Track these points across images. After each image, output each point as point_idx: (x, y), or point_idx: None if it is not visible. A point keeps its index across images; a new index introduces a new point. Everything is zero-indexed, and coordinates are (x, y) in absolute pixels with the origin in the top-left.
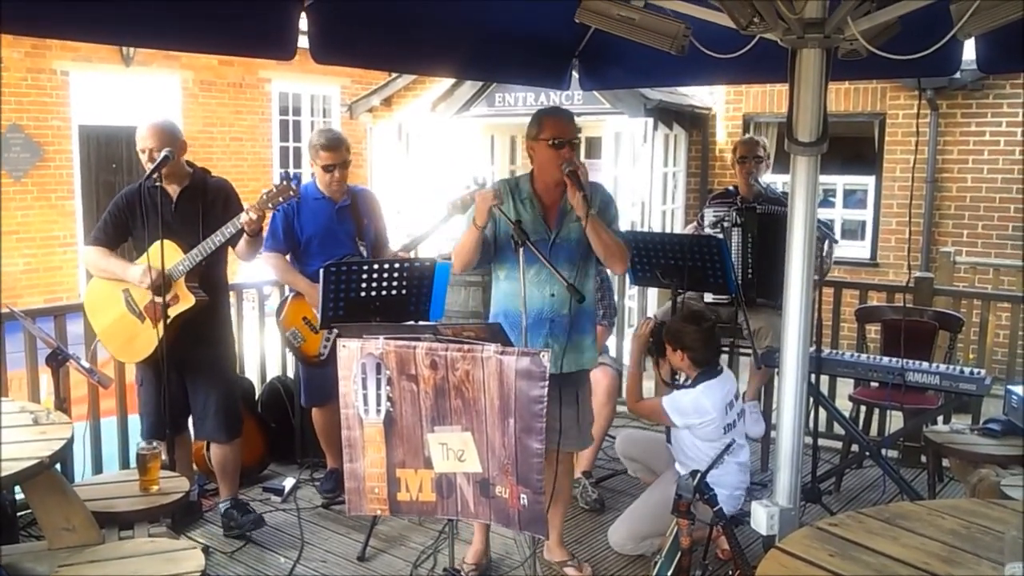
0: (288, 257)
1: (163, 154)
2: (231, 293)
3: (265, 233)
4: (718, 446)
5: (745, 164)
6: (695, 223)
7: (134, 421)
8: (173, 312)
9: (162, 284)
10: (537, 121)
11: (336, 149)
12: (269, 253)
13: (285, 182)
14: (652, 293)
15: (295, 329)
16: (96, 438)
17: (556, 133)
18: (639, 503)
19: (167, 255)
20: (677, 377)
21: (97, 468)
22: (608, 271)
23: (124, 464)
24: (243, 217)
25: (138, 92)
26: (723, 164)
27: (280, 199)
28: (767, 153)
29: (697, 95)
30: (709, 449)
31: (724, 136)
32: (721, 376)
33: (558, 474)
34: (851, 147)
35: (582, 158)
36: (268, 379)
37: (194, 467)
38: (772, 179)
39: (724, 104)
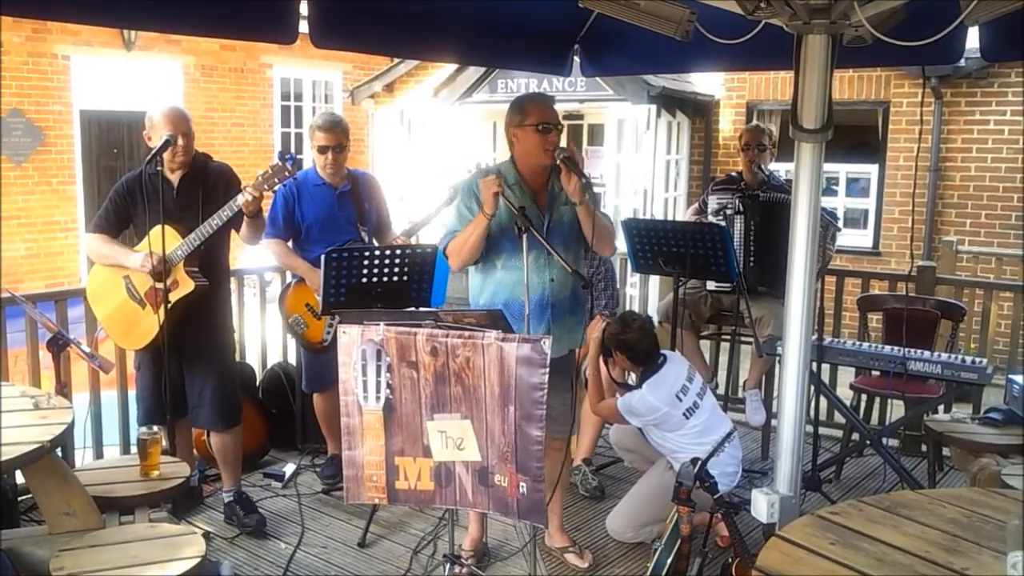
0: (290, 244)
1: (164, 138)
2: (232, 279)
3: (266, 215)
4: (686, 433)
5: (748, 152)
6: (697, 205)
7: (135, 402)
8: (173, 297)
9: (163, 270)
10: (520, 107)
11: (330, 130)
12: (269, 240)
13: (281, 162)
14: (654, 281)
15: (298, 316)
16: (97, 421)
17: (543, 118)
18: (635, 491)
19: (167, 240)
20: (627, 375)
21: (98, 453)
22: (600, 256)
23: (124, 444)
24: (240, 199)
25: (139, 77)
26: (726, 152)
27: (276, 179)
28: (772, 141)
29: (700, 82)
30: (680, 438)
31: (727, 124)
32: (664, 368)
33: (555, 461)
34: (855, 135)
35: (585, 145)
36: (269, 365)
37: (195, 452)
38: (775, 167)
39: (727, 91)
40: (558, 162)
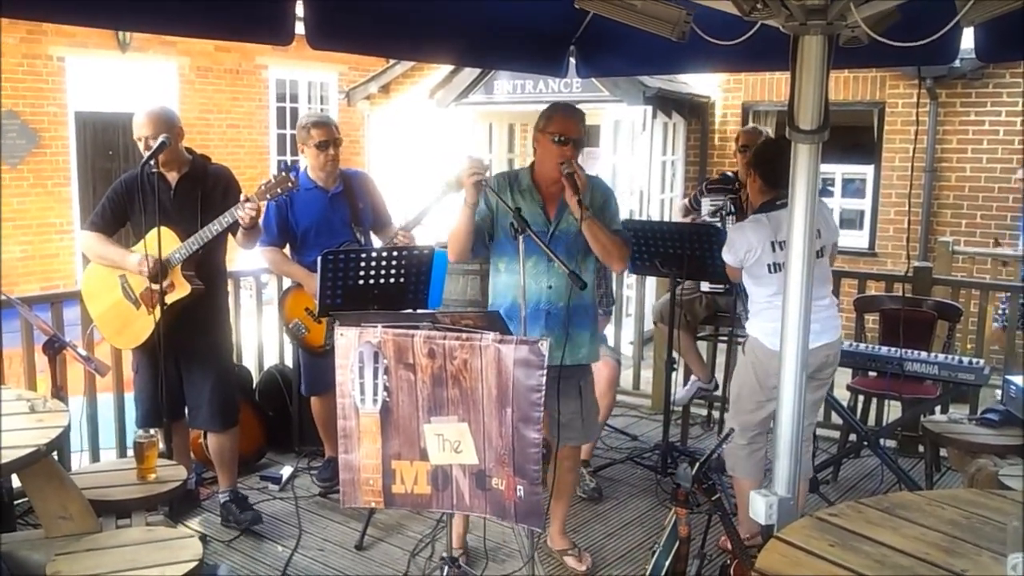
0: (286, 249)
1: (160, 140)
2: (228, 281)
3: (262, 224)
4: (766, 287)
5: (744, 154)
6: (687, 203)
7: (131, 404)
8: (169, 300)
9: (159, 271)
10: (547, 114)
11: (326, 125)
12: (264, 248)
13: (284, 173)
14: (651, 282)
15: (298, 321)
16: (93, 424)
17: (561, 130)
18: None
19: (164, 242)
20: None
21: (95, 456)
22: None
23: (121, 447)
24: (239, 212)
25: (134, 78)
26: (722, 153)
27: (279, 190)
28: None
29: (696, 83)
30: (759, 290)
31: (723, 125)
32: (781, 212)
33: (563, 468)
34: (850, 136)
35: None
36: (266, 367)
37: (191, 455)
38: None
39: (723, 92)
40: (562, 176)
